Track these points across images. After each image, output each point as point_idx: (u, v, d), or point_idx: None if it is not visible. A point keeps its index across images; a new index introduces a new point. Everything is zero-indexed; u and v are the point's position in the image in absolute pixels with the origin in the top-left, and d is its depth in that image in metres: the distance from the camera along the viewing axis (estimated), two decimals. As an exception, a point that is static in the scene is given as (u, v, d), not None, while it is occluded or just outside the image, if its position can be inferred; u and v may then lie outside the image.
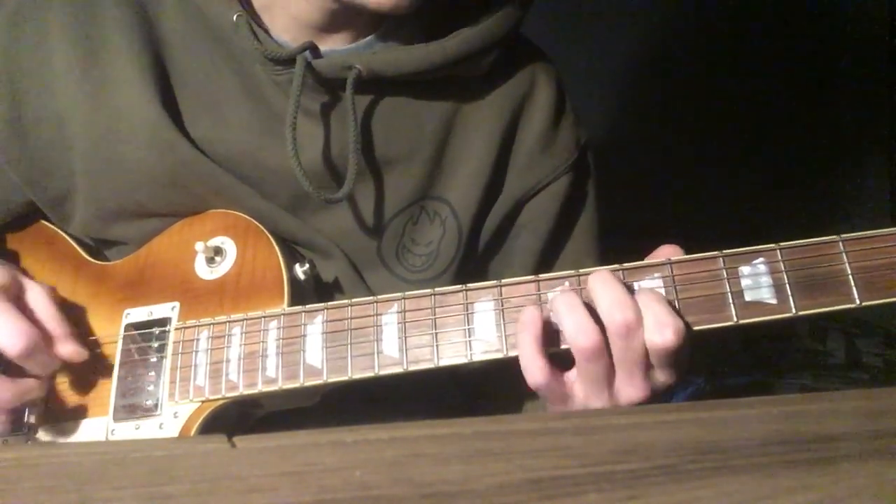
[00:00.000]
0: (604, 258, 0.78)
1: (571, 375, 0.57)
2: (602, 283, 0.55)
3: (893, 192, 2.10)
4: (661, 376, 0.56)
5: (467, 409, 0.80)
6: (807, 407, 0.45)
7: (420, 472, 0.36)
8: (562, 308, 0.55)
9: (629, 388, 0.55)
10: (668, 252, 0.59)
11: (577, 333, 0.54)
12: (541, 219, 0.76)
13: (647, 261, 0.59)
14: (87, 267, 0.72)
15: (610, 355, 0.55)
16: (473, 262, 0.76)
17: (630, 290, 0.56)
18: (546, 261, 0.78)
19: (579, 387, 0.56)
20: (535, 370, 0.55)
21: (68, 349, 0.64)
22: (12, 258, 0.74)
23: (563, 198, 0.76)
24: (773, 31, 2.01)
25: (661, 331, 0.53)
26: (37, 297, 0.64)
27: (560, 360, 0.57)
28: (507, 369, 0.59)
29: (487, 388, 0.79)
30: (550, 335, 0.56)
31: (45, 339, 0.62)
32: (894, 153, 2.11)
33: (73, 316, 0.68)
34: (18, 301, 0.63)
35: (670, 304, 0.56)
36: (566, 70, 0.79)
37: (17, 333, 0.59)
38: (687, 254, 0.58)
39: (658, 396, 0.57)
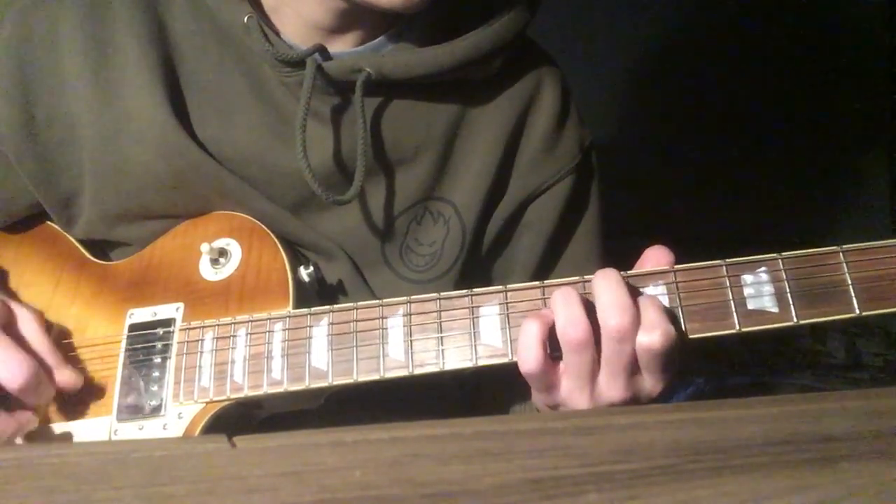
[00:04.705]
0: (606, 260, 0.78)
1: (560, 367, 0.57)
2: (605, 282, 0.56)
3: (893, 193, 2.10)
4: (647, 382, 0.56)
5: (467, 409, 0.80)
6: (807, 407, 0.45)
7: (420, 472, 0.36)
8: (558, 300, 0.56)
9: (611, 390, 0.56)
10: (655, 254, 0.59)
11: (566, 325, 0.54)
12: (544, 220, 0.76)
13: (650, 268, 0.59)
14: (91, 266, 0.72)
15: (598, 352, 0.55)
16: (477, 263, 0.76)
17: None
18: (549, 262, 0.78)
19: (564, 380, 0.57)
20: (530, 358, 0.55)
21: (65, 377, 0.62)
22: (14, 258, 0.74)
23: (567, 199, 0.76)
24: (774, 31, 2.01)
25: (650, 331, 0.54)
26: (28, 324, 0.63)
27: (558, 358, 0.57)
28: (504, 370, 0.59)
29: (486, 389, 0.79)
30: (554, 340, 0.56)
31: (42, 368, 0.60)
32: (894, 153, 2.11)
33: (75, 315, 0.68)
34: (10, 329, 0.61)
35: (673, 310, 0.56)
36: (569, 72, 0.79)
37: (19, 367, 0.58)
38: (683, 254, 0.59)
39: (640, 403, 0.57)
